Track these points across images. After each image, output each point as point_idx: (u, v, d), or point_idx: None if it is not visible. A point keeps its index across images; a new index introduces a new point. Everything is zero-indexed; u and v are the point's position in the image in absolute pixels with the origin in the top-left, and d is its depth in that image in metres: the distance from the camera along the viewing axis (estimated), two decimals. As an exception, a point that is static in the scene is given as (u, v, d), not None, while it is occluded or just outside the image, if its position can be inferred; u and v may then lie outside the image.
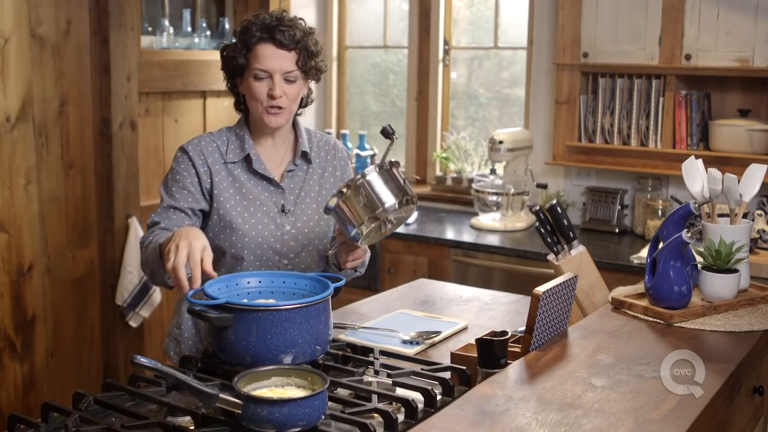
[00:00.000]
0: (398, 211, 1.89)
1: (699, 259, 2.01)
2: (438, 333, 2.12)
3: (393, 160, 1.92)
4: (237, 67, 2.09)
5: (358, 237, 1.88)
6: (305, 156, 2.19)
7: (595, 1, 3.57)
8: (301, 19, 2.13)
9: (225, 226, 2.10)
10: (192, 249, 1.74)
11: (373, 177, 1.86)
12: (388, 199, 1.85)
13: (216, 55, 2.44)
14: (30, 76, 3.22)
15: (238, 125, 2.18)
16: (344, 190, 1.85)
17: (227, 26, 4.14)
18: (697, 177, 2.07)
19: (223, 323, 1.67)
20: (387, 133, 1.95)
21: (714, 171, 2.05)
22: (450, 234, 3.78)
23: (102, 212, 3.59)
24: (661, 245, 1.97)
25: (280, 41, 2.04)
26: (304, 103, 2.21)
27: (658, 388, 1.52)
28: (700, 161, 2.09)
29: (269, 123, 2.09)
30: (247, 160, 2.13)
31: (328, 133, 4.61)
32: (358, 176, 1.86)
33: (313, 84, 2.21)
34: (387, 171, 1.88)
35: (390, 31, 4.70)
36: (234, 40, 2.10)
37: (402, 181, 1.90)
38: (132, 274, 3.59)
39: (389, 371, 1.76)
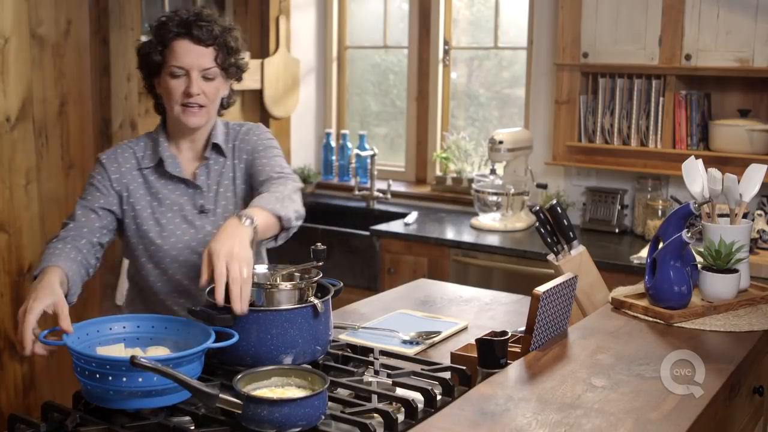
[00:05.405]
0: None
1: (699, 259, 2.00)
2: (438, 333, 2.12)
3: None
4: (153, 65, 2.04)
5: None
6: (218, 149, 2.10)
7: (595, 1, 3.57)
8: (221, 15, 2.07)
9: (141, 237, 2.06)
10: (36, 305, 1.63)
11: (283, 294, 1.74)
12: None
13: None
14: (30, 76, 3.22)
15: (156, 129, 2.13)
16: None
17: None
18: (697, 177, 2.07)
19: (224, 323, 1.68)
20: (318, 256, 1.83)
21: (714, 171, 2.05)
22: (450, 234, 3.78)
23: (102, 212, 3.59)
24: (661, 245, 1.97)
25: (197, 37, 1.98)
26: (225, 104, 2.14)
27: (658, 388, 1.52)
28: (700, 161, 2.09)
29: (187, 122, 2.02)
30: (161, 164, 2.07)
31: (328, 133, 4.67)
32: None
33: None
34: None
35: (390, 31, 4.70)
36: (150, 37, 2.04)
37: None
38: (132, 274, 3.58)
39: (389, 371, 1.76)
